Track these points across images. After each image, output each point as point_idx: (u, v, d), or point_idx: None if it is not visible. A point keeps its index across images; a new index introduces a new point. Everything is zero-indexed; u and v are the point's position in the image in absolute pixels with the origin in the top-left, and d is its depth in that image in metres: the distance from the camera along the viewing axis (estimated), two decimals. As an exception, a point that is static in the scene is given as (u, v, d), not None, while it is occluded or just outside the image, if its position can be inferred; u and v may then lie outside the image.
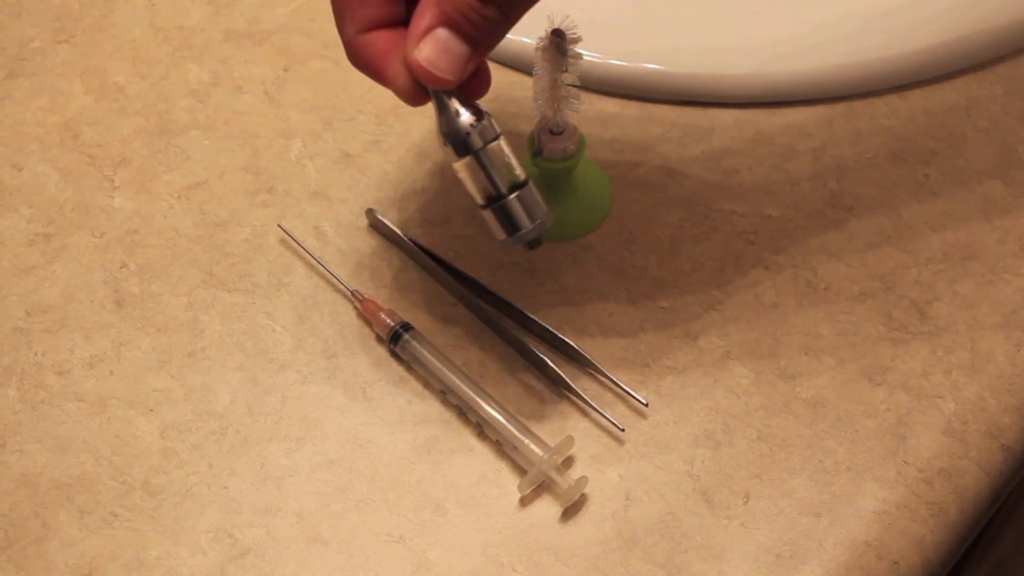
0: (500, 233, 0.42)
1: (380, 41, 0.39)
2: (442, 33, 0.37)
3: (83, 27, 0.57)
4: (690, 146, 0.51)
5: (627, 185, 0.50)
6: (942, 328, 0.46)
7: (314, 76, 0.54)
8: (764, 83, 0.52)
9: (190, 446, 0.45)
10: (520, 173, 0.42)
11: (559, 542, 0.42)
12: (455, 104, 0.40)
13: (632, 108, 0.52)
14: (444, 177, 0.51)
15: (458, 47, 0.38)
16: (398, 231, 0.49)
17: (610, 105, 0.53)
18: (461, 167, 0.41)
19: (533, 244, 0.43)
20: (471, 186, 0.42)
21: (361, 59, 0.40)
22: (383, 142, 0.52)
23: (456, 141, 0.40)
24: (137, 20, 0.57)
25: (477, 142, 0.40)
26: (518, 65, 0.53)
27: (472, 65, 0.39)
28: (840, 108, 0.52)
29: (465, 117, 0.40)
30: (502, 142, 0.41)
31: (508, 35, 0.56)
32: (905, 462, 0.43)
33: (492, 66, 0.54)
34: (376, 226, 0.50)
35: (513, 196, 0.41)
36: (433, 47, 0.38)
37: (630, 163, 0.51)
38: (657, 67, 0.52)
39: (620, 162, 0.51)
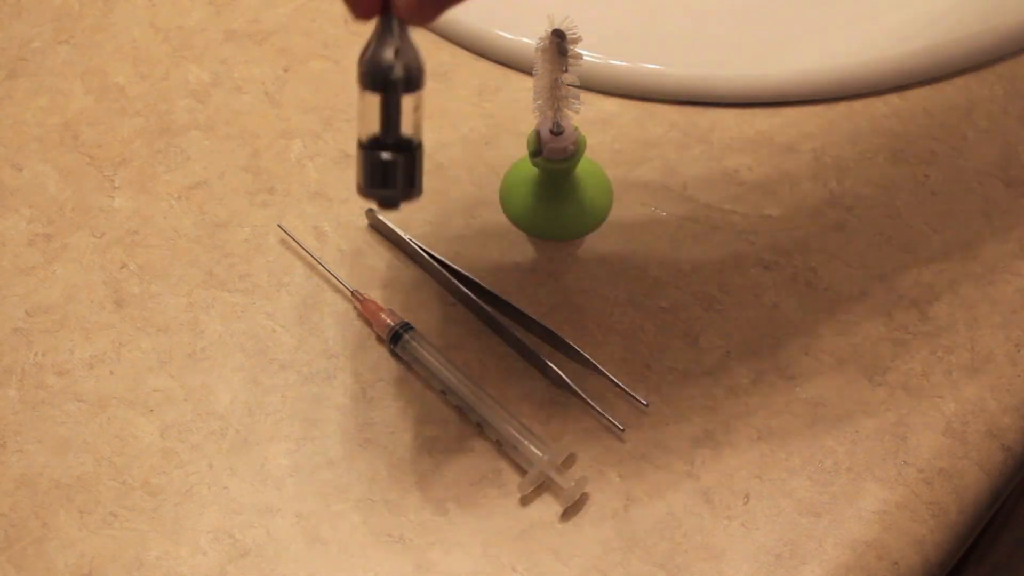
0: (365, 181, 0.38)
1: None
2: None
3: (83, 27, 0.57)
4: (690, 146, 0.51)
5: (627, 185, 0.50)
6: (942, 328, 0.46)
7: (314, 76, 0.54)
8: (764, 83, 0.52)
9: (190, 446, 0.45)
10: (417, 136, 0.38)
11: (559, 542, 0.42)
12: (397, 37, 0.37)
13: (632, 108, 0.52)
14: (444, 177, 0.51)
15: None
16: (398, 231, 0.49)
17: (610, 105, 0.53)
18: (367, 97, 0.37)
19: (388, 204, 0.39)
20: (364, 119, 0.38)
21: None
22: (383, 142, 0.52)
23: (377, 74, 0.37)
24: (137, 20, 0.57)
25: (398, 87, 0.37)
26: (518, 65, 0.53)
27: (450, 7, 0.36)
28: (840, 108, 0.52)
29: (400, 56, 0.36)
30: (421, 95, 0.38)
31: (508, 35, 0.56)
32: (905, 462, 0.43)
33: (492, 65, 0.54)
34: (376, 226, 0.50)
35: (399, 155, 0.38)
36: None
37: (630, 163, 0.51)
38: (657, 67, 0.52)
39: (620, 162, 0.51)
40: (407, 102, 0.37)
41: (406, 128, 0.38)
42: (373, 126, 0.38)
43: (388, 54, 0.36)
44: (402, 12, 0.36)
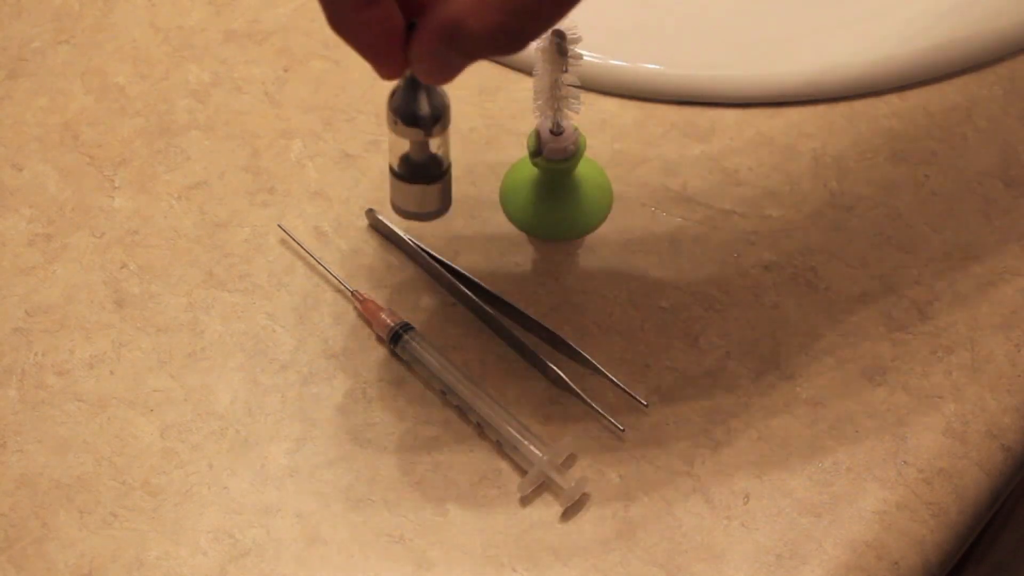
0: (402, 203, 0.44)
1: (375, 23, 0.37)
2: (442, 49, 0.37)
3: (83, 27, 0.57)
4: (690, 146, 0.51)
5: (627, 185, 0.50)
6: (942, 328, 0.46)
7: (314, 76, 0.54)
8: (764, 83, 0.52)
9: (190, 446, 0.45)
10: (447, 158, 0.43)
11: (559, 542, 0.42)
12: (425, 90, 0.40)
13: (632, 108, 0.52)
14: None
15: (457, 61, 0.37)
16: (398, 231, 0.49)
17: (610, 105, 0.52)
18: (398, 137, 0.41)
19: (422, 220, 0.44)
20: (396, 152, 0.42)
21: (360, 39, 0.38)
22: (383, 142, 0.52)
23: (410, 121, 0.40)
24: (137, 20, 0.57)
25: (429, 132, 0.41)
26: (518, 65, 0.53)
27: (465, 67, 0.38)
28: (840, 108, 0.52)
29: (430, 106, 0.40)
30: (447, 132, 0.41)
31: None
32: (905, 462, 0.43)
33: (492, 66, 0.54)
34: (376, 226, 0.50)
35: (432, 183, 0.43)
36: (433, 60, 0.37)
37: (630, 163, 0.51)
38: (657, 67, 0.52)
39: (620, 162, 0.51)
40: (440, 139, 0.41)
41: (442, 157, 0.42)
42: (407, 160, 0.42)
43: (416, 100, 0.40)
44: (422, 79, 0.38)
